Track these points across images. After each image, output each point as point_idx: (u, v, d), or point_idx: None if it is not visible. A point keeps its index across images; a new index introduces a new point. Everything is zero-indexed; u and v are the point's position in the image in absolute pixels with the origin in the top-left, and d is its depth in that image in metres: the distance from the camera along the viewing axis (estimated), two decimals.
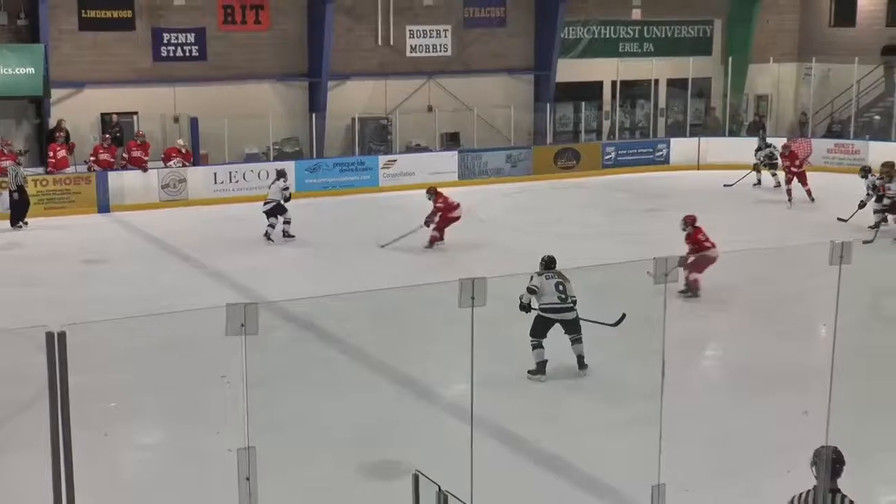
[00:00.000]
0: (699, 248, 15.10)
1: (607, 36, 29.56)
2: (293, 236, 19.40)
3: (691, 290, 14.74)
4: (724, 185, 24.10)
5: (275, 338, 12.35)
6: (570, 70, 28.63)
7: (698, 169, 27.49)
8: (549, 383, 11.60)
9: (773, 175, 24.27)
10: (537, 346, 11.61)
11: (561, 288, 11.54)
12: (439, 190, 18.98)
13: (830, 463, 5.69)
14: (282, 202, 19.37)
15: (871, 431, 9.69)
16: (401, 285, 13.64)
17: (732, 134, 29.26)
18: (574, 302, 11.63)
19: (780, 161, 23.80)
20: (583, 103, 28.65)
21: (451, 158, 26.07)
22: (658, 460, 5.91)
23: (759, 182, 24.72)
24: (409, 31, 26.92)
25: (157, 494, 9.06)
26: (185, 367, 11.91)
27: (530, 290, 11.63)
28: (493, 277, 5.82)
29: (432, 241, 18.49)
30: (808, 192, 22.27)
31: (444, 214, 18.53)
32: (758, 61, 30.39)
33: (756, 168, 24.71)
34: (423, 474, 5.97)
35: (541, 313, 11.61)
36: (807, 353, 12.20)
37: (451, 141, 27.21)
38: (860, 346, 11.82)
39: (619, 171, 27.29)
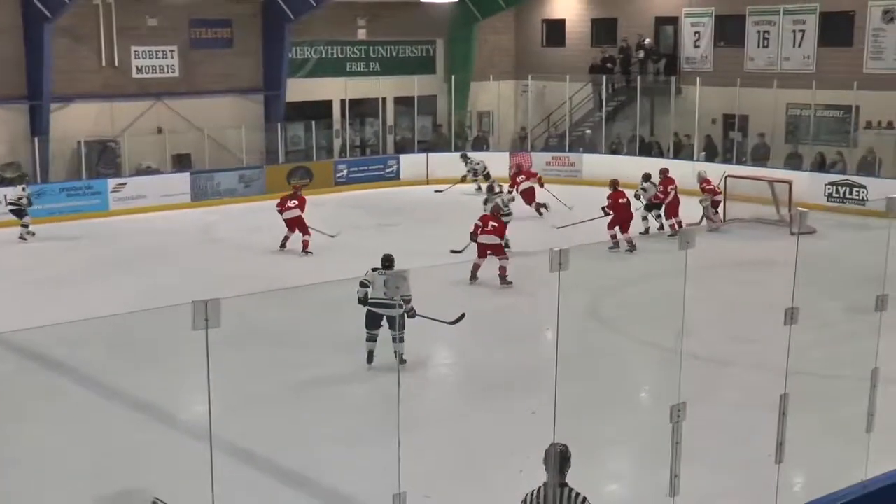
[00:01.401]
0: (483, 230, 17.18)
1: (334, 56, 29.74)
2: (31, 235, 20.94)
3: (473, 274, 16.97)
4: (436, 191, 24.89)
5: None
6: (299, 90, 28.57)
7: (427, 183, 28.06)
8: (286, 398, 11.50)
9: (476, 182, 25.73)
10: (369, 338, 12.20)
11: (390, 284, 11.73)
12: None
13: (559, 459, 5.90)
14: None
15: (594, 427, 10.17)
16: (132, 310, 13.19)
17: (458, 149, 30.03)
18: (407, 300, 11.91)
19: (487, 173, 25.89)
20: (313, 122, 28.64)
21: (183, 180, 25.47)
22: (398, 469, 5.94)
23: (480, 188, 25.47)
24: (135, 51, 26.09)
25: None
26: None
27: (362, 284, 12.12)
28: (227, 298, 5.69)
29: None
30: (536, 208, 23.07)
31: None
32: (479, 79, 31.38)
33: (464, 179, 26.30)
34: (161, 501, 5.78)
35: (369, 307, 12.11)
36: (533, 357, 12.65)
37: (183, 162, 26.57)
38: (581, 346, 12.40)
39: (351, 188, 27.51)
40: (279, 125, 27.80)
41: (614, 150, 28.89)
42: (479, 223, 17.41)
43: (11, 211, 21.57)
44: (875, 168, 24.14)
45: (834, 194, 23.74)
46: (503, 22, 32.68)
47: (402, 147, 30.22)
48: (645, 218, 20.84)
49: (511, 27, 33.17)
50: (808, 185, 23.49)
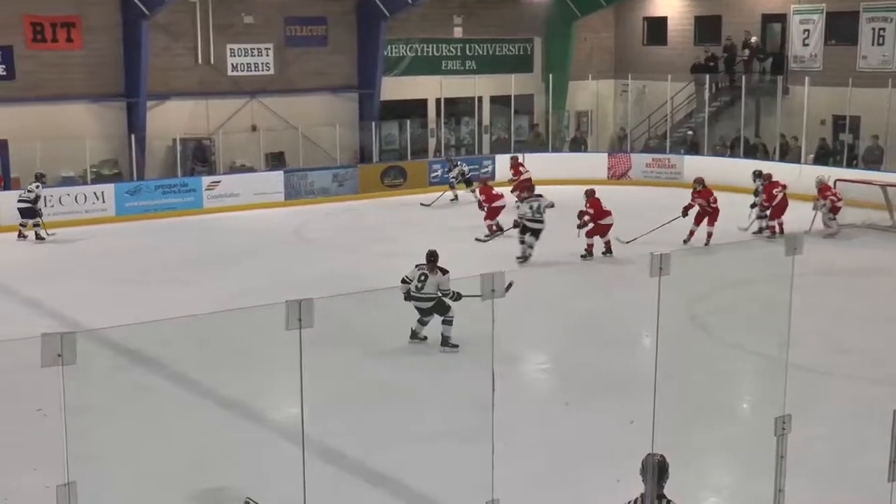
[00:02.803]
0: (599, 213, 18.60)
1: (430, 54, 29.89)
2: (43, 238, 21.02)
3: (588, 252, 18.64)
4: (422, 204, 24.57)
5: (95, 366, 11.96)
6: (394, 88, 28.79)
7: None
8: (379, 401, 11.57)
9: (473, 192, 24.55)
10: (418, 321, 13.17)
11: (423, 278, 12.92)
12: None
13: (657, 470, 5.84)
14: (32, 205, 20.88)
15: (694, 436, 10.04)
16: (224, 308, 13.41)
17: (556, 150, 29.97)
18: (446, 293, 12.84)
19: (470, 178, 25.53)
20: (408, 121, 28.82)
21: (276, 178, 25.85)
22: (491, 475, 5.94)
23: (457, 198, 25.54)
24: (230, 49, 26.58)
25: None
26: None
27: (403, 281, 13.10)
28: (320, 298, 5.76)
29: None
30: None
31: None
32: (577, 78, 31.25)
33: (451, 186, 25.71)
34: (253, 501, 5.87)
35: (405, 299, 13.08)
36: (631, 363, 12.54)
37: (277, 161, 26.97)
38: (680, 353, 12.23)
39: (446, 188, 27.50)
40: (373, 124, 28.04)
41: (717, 151, 28.48)
42: (591, 210, 18.67)
43: (21, 209, 20.98)
44: None
45: None
46: (603, 20, 32.48)
47: (498, 147, 30.20)
48: (760, 217, 20.77)
49: (611, 25, 32.94)
50: None
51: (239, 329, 13.61)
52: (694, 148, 28.90)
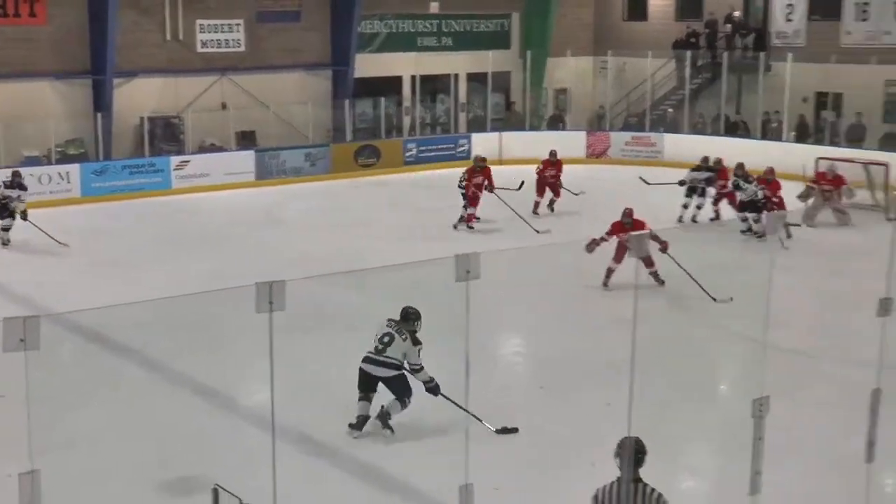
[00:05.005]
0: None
1: (405, 30, 29.81)
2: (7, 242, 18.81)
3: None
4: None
5: (60, 352, 11.95)
6: (368, 65, 28.69)
7: (500, 164, 27.88)
8: (351, 384, 11.59)
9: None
10: (360, 398, 10.08)
11: (386, 339, 9.94)
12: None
13: (633, 453, 5.88)
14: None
15: (671, 420, 10.12)
16: (194, 291, 13.39)
17: (533, 128, 29.98)
18: (416, 370, 10.02)
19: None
20: (382, 99, 28.73)
21: (247, 158, 25.74)
22: (465, 460, 5.97)
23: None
24: (200, 25, 26.40)
25: None
26: None
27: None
28: (292, 280, 5.77)
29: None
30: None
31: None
32: (556, 55, 31.23)
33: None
34: (222, 488, 5.88)
35: (361, 363, 10.13)
36: (607, 345, 12.59)
37: (247, 140, 26.85)
38: (661, 335, 12.31)
39: (421, 168, 27.54)
40: (347, 102, 27.93)
41: (697, 129, 28.60)
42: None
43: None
44: None
45: None
46: None
47: (475, 125, 30.20)
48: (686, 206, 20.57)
49: (590, 0, 32.94)
50: None
51: (209, 313, 13.62)
52: (673, 126, 28.97)
